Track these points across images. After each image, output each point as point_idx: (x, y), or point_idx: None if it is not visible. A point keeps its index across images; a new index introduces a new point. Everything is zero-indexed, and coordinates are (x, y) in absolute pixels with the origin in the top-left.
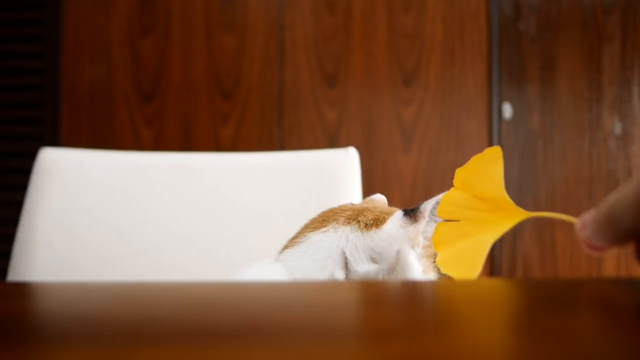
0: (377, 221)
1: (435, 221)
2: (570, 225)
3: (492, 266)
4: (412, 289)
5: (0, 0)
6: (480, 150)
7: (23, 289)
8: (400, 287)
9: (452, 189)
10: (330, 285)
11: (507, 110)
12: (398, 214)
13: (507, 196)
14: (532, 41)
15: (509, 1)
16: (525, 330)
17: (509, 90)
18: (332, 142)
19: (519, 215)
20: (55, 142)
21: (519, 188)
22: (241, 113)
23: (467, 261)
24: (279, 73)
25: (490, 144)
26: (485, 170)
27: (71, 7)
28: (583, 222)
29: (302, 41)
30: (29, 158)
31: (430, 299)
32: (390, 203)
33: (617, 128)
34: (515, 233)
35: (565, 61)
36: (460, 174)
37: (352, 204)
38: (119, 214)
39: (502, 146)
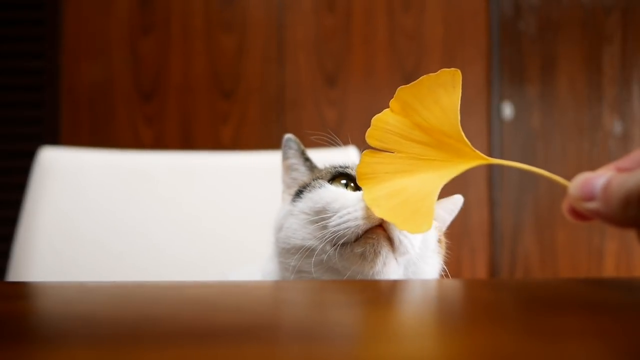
0: None
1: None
2: (571, 225)
3: (492, 266)
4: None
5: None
6: (481, 150)
7: (23, 289)
8: (392, 286)
9: (386, 110)
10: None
11: (507, 110)
12: None
13: (461, 133)
14: (532, 41)
15: (509, 1)
16: (523, 330)
17: (509, 90)
18: (332, 142)
19: (472, 158)
20: (55, 142)
21: (519, 188)
22: (241, 113)
23: (412, 209)
24: (279, 73)
25: (490, 144)
26: (437, 96)
27: (71, 6)
28: (589, 192)
29: (302, 41)
30: (29, 158)
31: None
32: None
33: (617, 128)
34: (515, 233)
35: (565, 61)
36: (403, 94)
37: None
38: (119, 214)
39: (502, 146)
